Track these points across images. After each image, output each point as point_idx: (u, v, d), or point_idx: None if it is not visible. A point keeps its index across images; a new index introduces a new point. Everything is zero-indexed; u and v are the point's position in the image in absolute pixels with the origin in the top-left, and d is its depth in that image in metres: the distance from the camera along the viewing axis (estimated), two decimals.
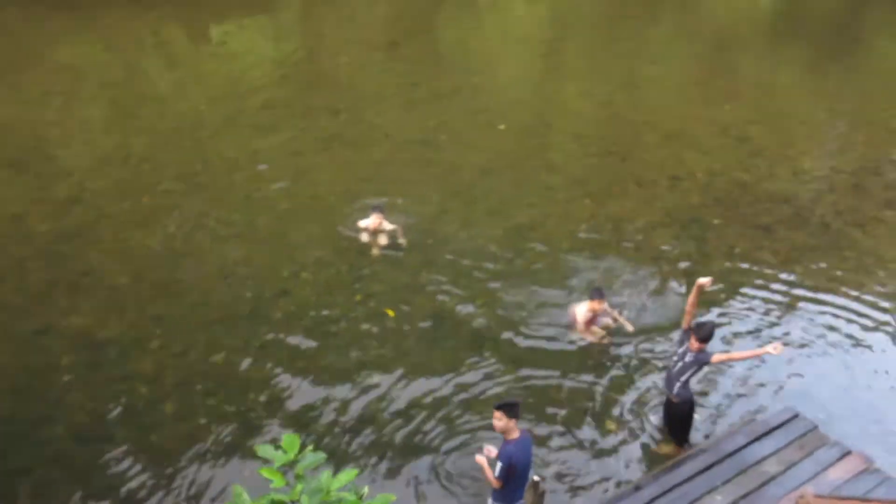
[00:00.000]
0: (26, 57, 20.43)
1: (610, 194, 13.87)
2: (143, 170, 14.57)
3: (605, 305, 9.82)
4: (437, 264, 11.72)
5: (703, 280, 7.78)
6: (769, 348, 7.53)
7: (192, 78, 19.72)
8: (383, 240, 12.02)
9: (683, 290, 11.11)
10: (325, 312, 10.61)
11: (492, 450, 6.77)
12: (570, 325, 10.01)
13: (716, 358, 7.68)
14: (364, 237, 11.99)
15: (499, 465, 6.41)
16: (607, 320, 9.95)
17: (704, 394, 9.24)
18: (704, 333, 7.60)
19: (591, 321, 9.85)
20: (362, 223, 12.06)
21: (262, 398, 9.08)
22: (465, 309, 10.70)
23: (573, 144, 16.03)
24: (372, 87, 18.86)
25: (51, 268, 11.51)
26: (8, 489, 7.80)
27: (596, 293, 9.71)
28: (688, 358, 7.76)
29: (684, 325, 7.89)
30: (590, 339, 9.86)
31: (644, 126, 16.71)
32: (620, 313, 10.14)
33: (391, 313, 10.47)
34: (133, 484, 7.89)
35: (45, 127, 16.40)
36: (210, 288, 11.16)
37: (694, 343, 7.65)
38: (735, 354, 8.01)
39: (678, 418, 8.12)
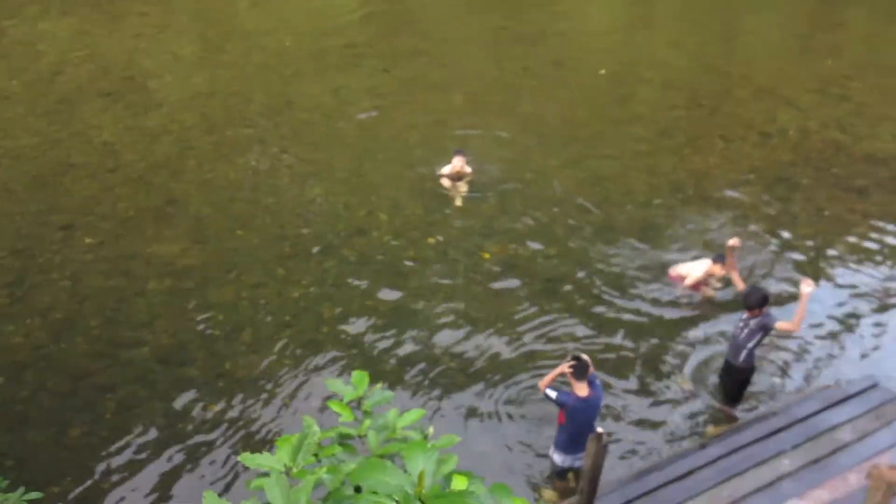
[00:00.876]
0: None
1: (695, 148, 13.48)
2: (229, 104, 14.87)
3: (723, 271, 9.58)
4: (512, 212, 11.68)
5: (732, 241, 8.01)
6: (804, 287, 7.34)
7: (280, 14, 19.82)
8: (463, 187, 12.00)
9: (767, 250, 10.77)
10: (398, 254, 10.69)
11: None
12: (673, 282, 9.87)
13: (780, 325, 7.49)
14: (446, 183, 11.96)
15: (554, 394, 6.63)
16: (715, 285, 9.77)
17: (777, 362, 8.99)
18: (752, 301, 7.46)
19: (702, 283, 9.71)
20: (444, 170, 12.01)
21: (334, 335, 9.26)
22: (539, 258, 10.66)
23: (660, 95, 15.58)
24: (457, 29, 18.65)
25: (138, 195, 11.90)
26: (95, 403, 8.22)
27: (719, 258, 9.52)
28: (752, 324, 7.60)
29: (739, 287, 7.88)
30: (693, 295, 9.71)
31: (737, 79, 16.10)
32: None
33: (486, 256, 10.46)
34: (206, 411, 8.19)
35: (138, 58, 16.87)
36: (288, 222, 11.37)
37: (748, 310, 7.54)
38: (795, 318, 7.57)
39: (737, 382, 8.00)
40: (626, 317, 9.57)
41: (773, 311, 8.99)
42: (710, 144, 13.59)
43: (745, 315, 7.67)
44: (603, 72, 16.19)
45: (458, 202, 11.78)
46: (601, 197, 12.07)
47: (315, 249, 10.80)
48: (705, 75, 16.31)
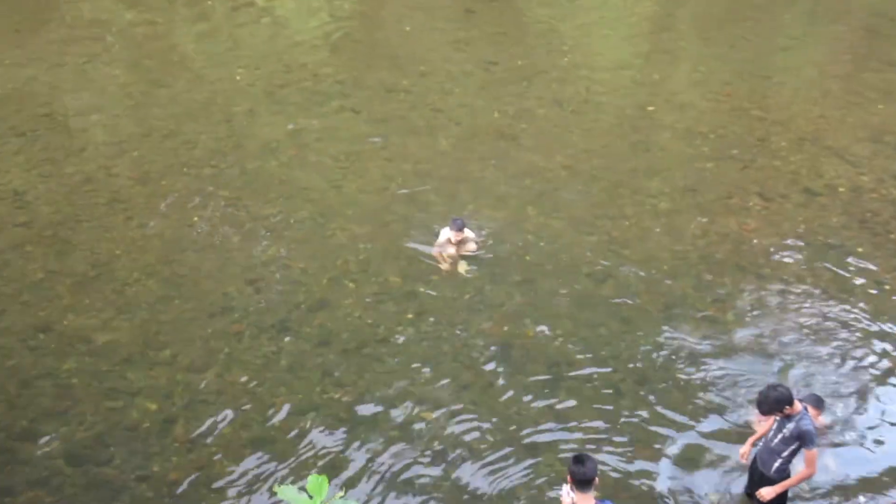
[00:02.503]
0: (44, 11, 21.17)
1: (726, 208, 13.55)
2: (167, 147, 14.86)
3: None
4: (508, 280, 11.66)
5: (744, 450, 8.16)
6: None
7: (230, 43, 20.08)
8: (467, 253, 12.04)
9: (814, 327, 10.76)
10: (368, 330, 10.62)
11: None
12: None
13: (810, 454, 7.41)
14: (446, 255, 11.93)
15: None
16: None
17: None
18: (765, 405, 7.41)
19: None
20: (446, 234, 11.94)
21: (287, 430, 9.10)
22: (541, 338, 10.60)
23: (682, 144, 15.73)
24: (439, 62, 18.88)
25: (52, 255, 11.79)
26: None
27: (814, 400, 9.10)
28: (787, 429, 7.55)
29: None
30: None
31: (772, 125, 16.31)
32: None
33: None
34: None
35: (60, 93, 16.87)
36: (235, 291, 11.29)
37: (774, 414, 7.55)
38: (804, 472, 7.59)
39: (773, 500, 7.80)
40: (645, 414, 9.47)
41: (825, 414, 9.18)
42: (746, 203, 13.67)
43: (779, 416, 7.60)
44: (651, 108, 16.45)
45: (463, 269, 11.79)
46: (614, 265, 12.06)
47: (268, 324, 10.69)
48: (735, 120, 16.53)
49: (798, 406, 7.46)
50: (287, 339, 10.45)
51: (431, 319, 10.90)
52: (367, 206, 13.35)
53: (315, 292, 11.34)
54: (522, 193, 13.78)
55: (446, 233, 11.95)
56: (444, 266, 11.83)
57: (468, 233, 12.05)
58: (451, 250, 11.93)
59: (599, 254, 12.33)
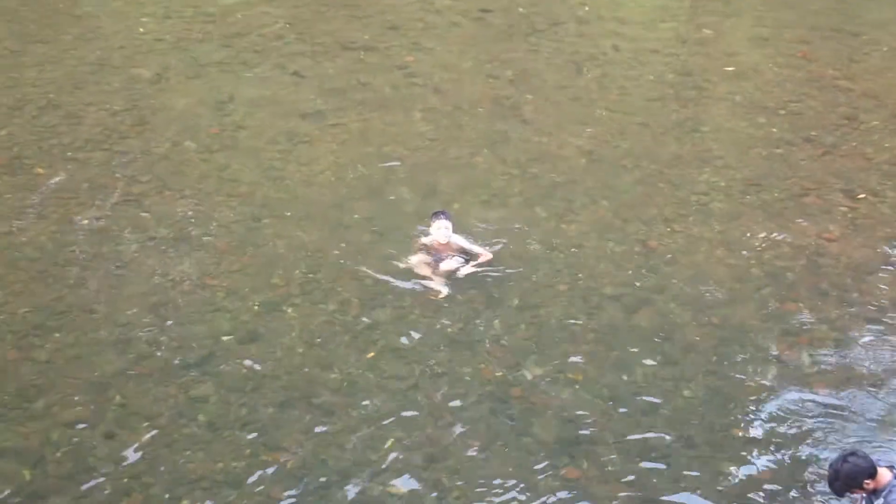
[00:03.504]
0: None
1: (801, 209, 13.52)
2: (43, 124, 14.86)
3: None
4: (506, 306, 11.55)
5: None
6: None
7: None
8: (451, 264, 11.94)
9: None
10: (315, 372, 10.49)
11: None
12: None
13: None
14: (424, 264, 11.87)
15: None
16: None
17: None
18: (838, 486, 7.54)
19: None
20: (426, 239, 11.98)
21: None
22: (549, 385, 10.46)
23: (741, 123, 15.73)
24: (413, 10, 18.75)
25: None
26: None
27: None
28: None
29: None
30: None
31: (861, 99, 16.28)
32: None
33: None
34: None
35: None
36: (135, 320, 11.15)
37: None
38: None
39: None
40: (694, 489, 9.27)
41: None
42: (828, 203, 13.65)
43: (859, 493, 7.67)
44: (701, 75, 16.29)
45: (442, 288, 11.72)
46: (653, 287, 11.96)
47: (177, 364, 10.55)
48: (812, 91, 16.50)
49: (886, 476, 7.43)
50: (204, 384, 10.31)
51: (401, 359, 10.76)
52: (316, 203, 13.26)
53: (243, 322, 11.23)
54: (527, 188, 13.69)
55: (425, 240, 11.92)
56: (436, 286, 11.68)
57: (459, 241, 11.95)
58: (425, 265, 11.83)
59: (630, 270, 12.23)
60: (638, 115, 15.65)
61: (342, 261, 12.18)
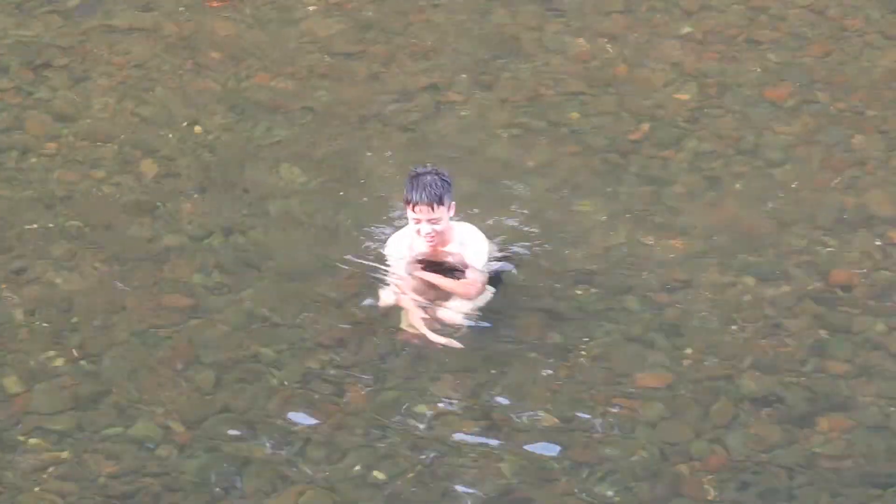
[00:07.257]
0: None
1: None
2: None
3: None
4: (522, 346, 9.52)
5: None
6: None
7: None
8: (451, 313, 9.36)
9: None
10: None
11: None
12: None
13: None
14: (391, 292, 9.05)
15: None
16: None
17: None
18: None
19: None
20: (399, 243, 9.06)
21: None
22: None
23: None
24: None
25: None
26: None
27: None
28: None
29: None
30: None
31: None
32: None
33: None
34: None
35: None
36: None
37: None
38: None
39: None
40: None
41: None
42: None
43: None
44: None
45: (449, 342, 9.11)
46: (753, 328, 10.09)
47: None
48: None
49: None
50: None
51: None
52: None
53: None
54: (564, 161, 11.44)
55: (402, 236, 8.94)
56: (417, 333, 8.90)
57: (462, 233, 8.95)
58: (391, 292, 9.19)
59: (725, 305, 10.40)
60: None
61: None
